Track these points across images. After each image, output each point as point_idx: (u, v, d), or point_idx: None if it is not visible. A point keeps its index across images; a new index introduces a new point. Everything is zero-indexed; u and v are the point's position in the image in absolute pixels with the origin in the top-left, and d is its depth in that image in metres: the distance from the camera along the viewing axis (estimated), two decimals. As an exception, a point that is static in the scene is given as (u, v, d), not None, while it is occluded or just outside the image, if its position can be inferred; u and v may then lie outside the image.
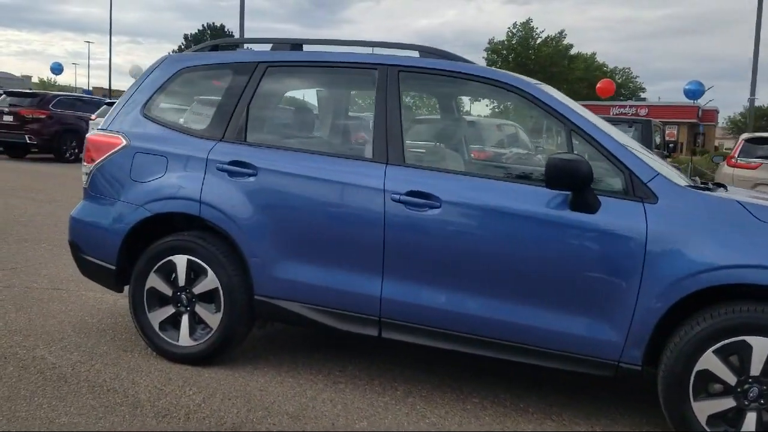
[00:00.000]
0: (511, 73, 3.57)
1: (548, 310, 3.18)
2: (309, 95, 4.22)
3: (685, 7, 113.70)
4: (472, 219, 3.28)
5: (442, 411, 3.41)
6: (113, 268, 3.93)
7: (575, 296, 3.13)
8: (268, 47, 4.07)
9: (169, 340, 3.82)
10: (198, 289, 3.75)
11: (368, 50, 3.83)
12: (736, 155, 11.54)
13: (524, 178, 3.60)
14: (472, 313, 3.28)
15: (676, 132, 53.83)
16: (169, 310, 3.82)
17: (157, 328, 3.84)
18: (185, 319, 3.79)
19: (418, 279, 3.37)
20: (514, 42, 64.60)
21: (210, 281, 3.70)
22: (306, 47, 3.96)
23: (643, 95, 71.17)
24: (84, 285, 5.39)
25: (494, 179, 3.38)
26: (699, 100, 49.92)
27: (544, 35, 62.60)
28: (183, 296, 3.78)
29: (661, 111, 48.92)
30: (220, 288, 3.68)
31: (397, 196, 3.36)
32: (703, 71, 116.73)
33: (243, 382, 3.61)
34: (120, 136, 3.96)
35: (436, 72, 3.61)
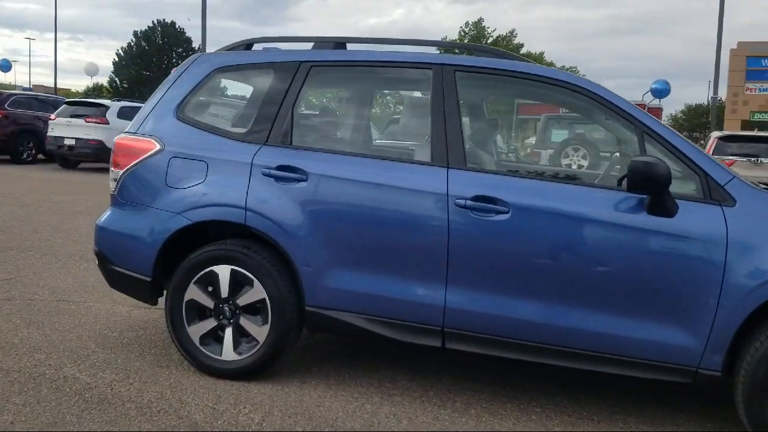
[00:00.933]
0: (574, 74, 3.48)
1: (624, 317, 3.11)
2: (357, 96, 4.04)
3: (625, 8, 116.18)
4: (543, 225, 3.18)
5: (508, 422, 3.31)
6: (148, 280, 3.71)
7: (653, 302, 3.07)
8: (292, 46, 3.90)
9: (212, 355, 3.62)
10: (242, 300, 3.56)
11: (408, 49, 3.70)
12: (710, 153, 11.82)
13: (594, 180, 3.53)
14: (543, 321, 3.18)
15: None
16: (211, 323, 3.63)
17: (197, 343, 3.64)
18: (229, 332, 3.59)
19: (484, 287, 3.26)
20: (466, 41, 65.00)
21: (256, 292, 3.52)
22: (349, 46, 3.80)
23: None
24: (89, 296, 5.14)
25: (563, 183, 3.29)
26: (644, 98, 51.09)
27: (495, 35, 63.12)
28: (226, 308, 3.59)
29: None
30: (267, 299, 3.50)
31: (462, 201, 3.24)
32: (642, 71, 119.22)
33: (296, 398, 3.44)
34: (153, 140, 3.74)
35: (495, 72, 3.49)
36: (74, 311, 4.74)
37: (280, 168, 3.50)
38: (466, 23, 65.25)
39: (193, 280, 3.62)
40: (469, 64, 3.51)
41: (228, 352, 3.59)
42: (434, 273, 3.30)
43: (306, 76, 3.66)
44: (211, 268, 3.59)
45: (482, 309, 3.25)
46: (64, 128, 16.21)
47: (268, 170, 3.51)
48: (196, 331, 3.65)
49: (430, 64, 3.52)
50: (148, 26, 53.05)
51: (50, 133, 16.40)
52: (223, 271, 3.56)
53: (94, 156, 16.29)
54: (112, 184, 3.86)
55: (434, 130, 3.41)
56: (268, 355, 3.53)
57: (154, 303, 3.84)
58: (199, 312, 3.66)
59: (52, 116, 16.52)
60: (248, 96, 3.92)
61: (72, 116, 16.34)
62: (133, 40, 52.86)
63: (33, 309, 4.73)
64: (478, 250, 3.24)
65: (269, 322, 3.51)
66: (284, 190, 3.48)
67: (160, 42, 53.11)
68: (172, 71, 3.99)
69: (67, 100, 17.64)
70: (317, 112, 3.92)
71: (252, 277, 3.52)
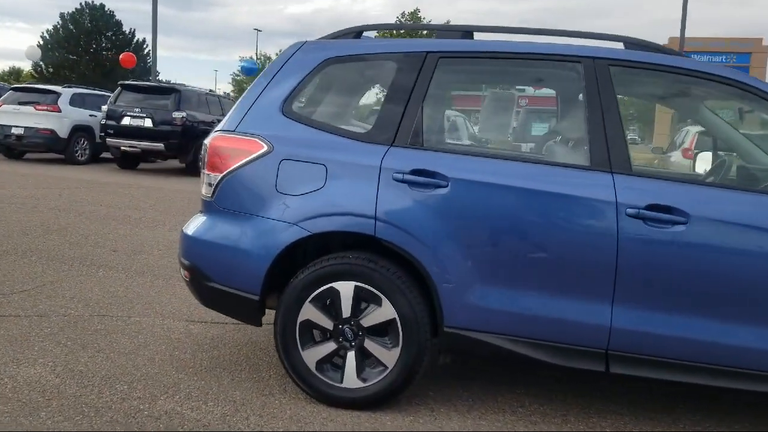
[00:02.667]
0: (747, 74, 3.23)
1: None
2: (493, 91, 3.67)
3: (548, 1, 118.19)
4: (728, 237, 2.92)
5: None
6: (256, 299, 3.26)
7: None
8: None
9: (330, 382, 3.22)
10: (368, 321, 3.17)
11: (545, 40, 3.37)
12: (692, 148, 12.01)
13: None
14: (725, 342, 2.93)
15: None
16: (330, 347, 3.22)
17: (313, 368, 3.23)
18: (351, 356, 3.20)
19: (656, 305, 2.97)
20: (402, 31, 64.92)
21: (384, 311, 3.14)
22: (476, 36, 3.44)
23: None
24: (128, 309, 4.63)
25: (744, 191, 3.03)
26: None
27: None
28: (347, 330, 3.19)
29: (549, 102, 50.76)
30: (397, 319, 3.13)
31: (634, 211, 2.94)
32: None
33: (437, 430, 3.09)
34: (258, 140, 3.29)
35: (657, 68, 3.20)
36: (124, 328, 4.22)
37: (416, 172, 3.12)
38: (402, 13, 65.12)
39: (309, 298, 3.20)
40: (626, 58, 3.21)
41: (350, 379, 3.20)
42: (599, 290, 2.99)
43: (434, 68, 3.27)
44: (330, 284, 3.18)
45: (653, 329, 2.97)
46: (11, 116, 15.09)
47: (401, 175, 3.12)
48: (312, 355, 3.24)
49: (579, 57, 3.20)
50: (76, 8, 50.54)
51: (-5, 121, 15.23)
52: (346, 288, 3.17)
53: (45, 146, 15.28)
54: (206, 189, 3.39)
55: (591, 130, 3.09)
56: (398, 383, 3.16)
57: (260, 324, 3.40)
58: (315, 334, 3.25)
59: (-1, 103, 15.37)
60: (367, 90, 3.50)
61: (20, 103, 15.24)
62: (60, 22, 50.28)
63: (76, 327, 4.18)
64: (650, 264, 2.95)
65: (400, 345, 3.14)
66: (420, 197, 3.11)
67: (89, 25, 50.70)
68: (272, 61, 3.53)
69: (14, 85, 16.41)
70: (450, 110, 3.52)
71: (380, 294, 3.13)
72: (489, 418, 3.24)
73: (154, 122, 14.33)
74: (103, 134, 14.73)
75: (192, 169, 14.90)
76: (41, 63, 48.84)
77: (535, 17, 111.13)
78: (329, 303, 3.21)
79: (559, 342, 3.05)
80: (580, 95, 3.18)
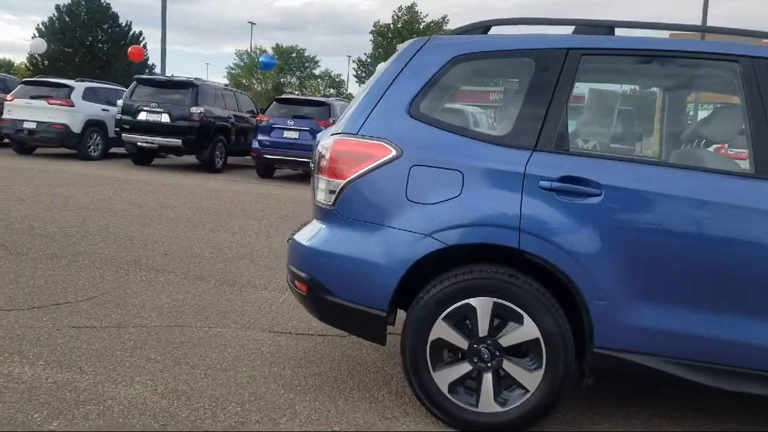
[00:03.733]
0: None
1: None
2: (643, 93, 3.43)
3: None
4: None
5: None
6: (383, 315, 3.02)
7: None
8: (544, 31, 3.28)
9: (464, 406, 2.99)
10: (507, 340, 2.94)
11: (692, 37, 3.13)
12: None
13: None
14: None
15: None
16: (464, 368, 2.99)
17: (445, 391, 2.99)
18: (487, 378, 2.96)
19: None
20: (399, 26, 64.50)
21: (527, 330, 2.90)
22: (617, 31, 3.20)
23: (515, 81, 73.49)
24: (204, 319, 4.39)
25: None
26: None
27: (428, 20, 62.87)
28: (483, 349, 2.95)
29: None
30: (541, 339, 2.89)
31: None
32: None
33: (589, 459, 2.86)
34: (386, 144, 3.04)
35: None
36: (208, 340, 3.97)
37: (565, 179, 2.88)
38: (399, 7, 64.77)
39: (442, 316, 2.97)
40: None
41: (487, 403, 2.96)
42: None
43: (577, 66, 3.03)
44: (466, 300, 2.94)
45: None
46: (23, 110, 14.73)
47: (549, 182, 2.88)
48: (444, 377, 3.00)
49: (736, 56, 2.96)
50: (71, 0, 49.85)
51: (7, 115, 14.87)
52: (483, 305, 2.93)
53: (58, 141, 14.93)
54: (325, 196, 3.14)
55: (756, 135, 2.86)
56: (541, 407, 2.93)
57: (384, 342, 3.15)
58: (448, 354, 3.01)
59: (9, 96, 14.99)
60: (501, 90, 3.25)
61: (32, 97, 14.88)
62: (55, 14, 49.61)
63: (159, 339, 3.93)
64: None
65: (543, 366, 2.90)
66: (570, 206, 2.87)
67: (85, 17, 50.08)
68: (392, 58, 3.27)
69: (24, 79, 16.03)
70: (596, 111, 3.28)
71: (521, 312, 2.90)
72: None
73: (171, 117, 14.01)
74: (118, 129, 14.38)
75: (209, 166, 14.61)
76: (37, 56, 48.20)
77: (521, 12, 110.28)
78: (464, 320, 2.97)
79: (734, 365, 2.81)
80: (738, 96, 2.95)
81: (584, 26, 3.16)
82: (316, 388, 3.39)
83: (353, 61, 69.77)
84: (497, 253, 2.97)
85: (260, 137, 13.96)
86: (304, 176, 15.20)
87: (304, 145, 13.60)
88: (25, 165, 13.28)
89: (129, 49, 23.62)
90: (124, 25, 51.81)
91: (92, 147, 15.39)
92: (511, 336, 2.93)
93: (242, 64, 71.77)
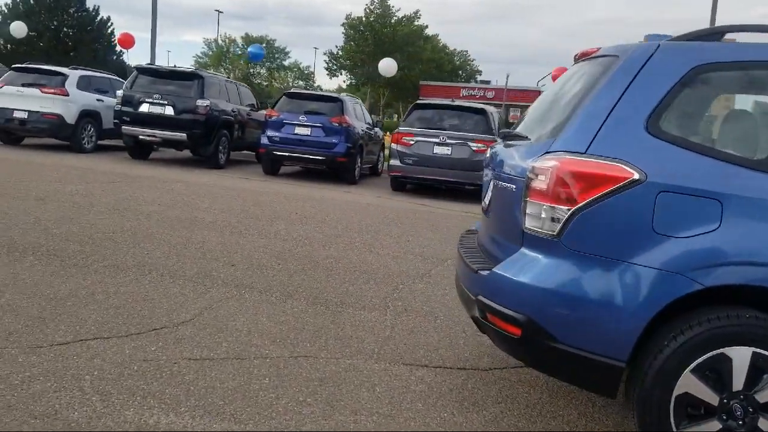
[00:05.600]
0: None
1: None
2: None
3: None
4: None
5: None
6: (622, 365, 2.61)
7: None
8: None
9: (713, 469, 2.60)
10: (764, 396, 2.56)
11: None
12: None
13: None
14: None
15: (519, 115, 56.11)
16: (713, 426, 2.60)
17: (690, 452, 2.60)
18: (740, 438, 2.58)
19: None
20: (372, 19, 63.89)
21: (789, 385, 2.53)
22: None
23: (480, 78, 73.46)
24: (321, 345, 3.97)
25: None
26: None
27: (400, 14, 62.28)
28: (737, 405, 2.57)
29: (506, 94, 50.62)
30: (807, 397, 2.52)
31: None
32: (507, 56, 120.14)
33: None
34: (624, 166, 2.63)
35: None
36: (346, 377, 3.52)
37: None
38: (372, 0, 63.99)
39: (691, 367, 2.57)
40: None
41: (738, 466, 2.58)
42: None
43: None
44: (721, 350, 2.55)
45: None
46: (13, 99, 13.88)
47: None
48: (690, 436, 2.61)
49: None
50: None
51: (-5, 103, 13.99)
52: (741, 356, 2.54)
53: (50, 132, 14.13)
54: (546, 224, 2.72)
55: None
56: (806, 473, 2.55)
57: (615, 395, 2.74)
58: (696, 409, 2.62)
59: (-1, 84, 14.12)
60: (755, 106, 2.86)
61: (23, 85, 14.03)
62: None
63: (293, 375, 3.47)
64: None
65: (807, 427, 2.53)
66: None
67: (50, 1, 48.31)
68: (614, 63, 2.84)
69: (14, 65, 15.13)
70: None
71: (786, 364, 2.52)
72: None
73: (175, 110, 13.33)
74: (117, 121, 13.64)
75: (213, 162, 13.97)
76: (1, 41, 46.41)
77: (478, 11, 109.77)
78: (715, 372, 2.58)
79: None
80: None
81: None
82: (510, 439, 2.98)
83: (324, 54, 68.91)
84: (759, 296, 2.58)
85: (270, 133, 13.32)
86: (310, 173, 14.68)
87: (317, 142, 13.07)
88: (20, 158, 12.48)
89: (118, 36, 22.66)
90: (91, 9, 50.17)
91: (86, 139, 14.60)
92: (771, 390, 2.55)
93: (211, 52, 70.40)
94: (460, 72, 74.21)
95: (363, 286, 5.38)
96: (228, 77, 16.91)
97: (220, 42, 71.17)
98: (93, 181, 10.09)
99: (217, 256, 5.91)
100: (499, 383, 3.64)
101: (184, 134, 13.25)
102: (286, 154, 13.29)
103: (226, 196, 9.96)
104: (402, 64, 39.53)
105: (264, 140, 13.40)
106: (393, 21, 62.48)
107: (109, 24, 51.52)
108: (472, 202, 12.26)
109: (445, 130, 12.40)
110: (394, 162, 12.61)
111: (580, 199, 2.65)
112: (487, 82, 67.47)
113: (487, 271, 2.91)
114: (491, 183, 3.45)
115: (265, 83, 68.46)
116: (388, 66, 24.60)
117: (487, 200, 3.53)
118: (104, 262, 5.34)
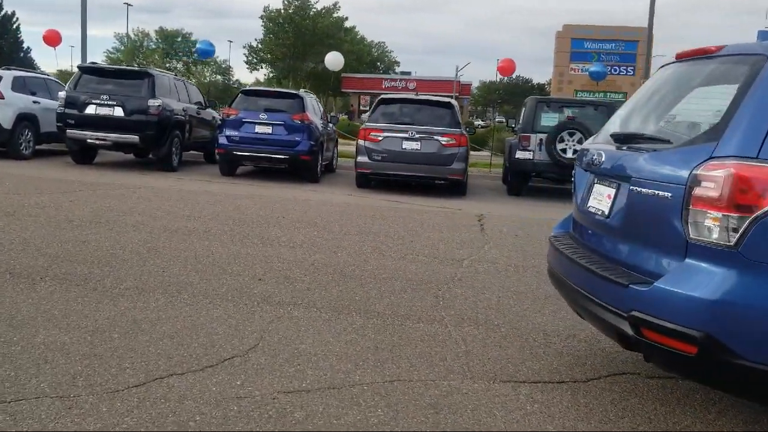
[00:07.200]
0: None
1: None
2: None
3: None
4: None
5: None
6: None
7: None
8: None
9: None
10: None
11: None
12: None
13: None
14: None
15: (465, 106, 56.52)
16: None
17: None
18: None
19: None
20: (291, 11, 62.96)
21: None
22: None
23: (398, 69, 73.68)
24: (402, 366, 3.77)
25: None
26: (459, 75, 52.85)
27: (319, 6, 61.65)
28: None
29: (427, 85, 50.97)
30: None
31: None
32: (420, 47, 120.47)
33: None
34: (805, 170, 2.50)
35: None
36: (458, 401, 3.31)
37: None
38: (288, -5, 62.94)
39: None
40: None
41: None
42: None
43: None
44: None
45: None
46: (-59, 104, 12.81)
47: None
48: None
49: None
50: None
51: None
52: None
53: (-15, 139, 13.09)
54: (717, 234, 2.57)
55: None
56: None
57: None
58: None
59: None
60: None
61: (-48, 88, 12.97)
62: None
63: (404, 403, 3.22)
64: None
65: None
66: None
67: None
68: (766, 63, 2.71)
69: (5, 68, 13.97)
70: None
71: None
72: None
73: (125, 111, 12.60)
74: (61, 125, 12.79)
75: (166, 164, 13.31)
76: None
77: (395, 3, 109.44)
78: None
79: None
80: None
81: None
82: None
83: (243, 47, 67.53)
84: None
85: (228, 132, 12.78)
86: (268, 172, 14.22)
87: (279, 141, 12.65)
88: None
89: (44, 33, 21.33)
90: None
91: (23, 144, 13.63)
92: None
93: (123, 47, 67.84)
94: (379, 63, 74.26)
95: (403, 295, 5.15)
96: (175, 75, 16.17)
97: (132, 36, 68.83)
98: (52, 191, 9.40)
99: (236, 270, 5.54)
100: (606, 395, 3.50)
101: (137, 136, 12.57)
102: (247, 154, 12.80)
103: (201, 201, 9.48)
104: (322, 57, 38.97)
105: (222, 140, 12.86)
106: (312, 13, 61.81)
107: (14, 19, 48.96)
108: (444, 197, 12.16)
109: (413, 125, 12.19)
110: (362, 159, 12.29)
111: (761, 206, 2.51)
112: (408, 73, 67.69)
113: (647, 286, 2.74)
114: (610, 188, 3.29)
115: (183, 78, 66.53)
116: (335, 59, 24.21)
117: (601, 206, 3.36)
118: (124, 285, 4.90)
